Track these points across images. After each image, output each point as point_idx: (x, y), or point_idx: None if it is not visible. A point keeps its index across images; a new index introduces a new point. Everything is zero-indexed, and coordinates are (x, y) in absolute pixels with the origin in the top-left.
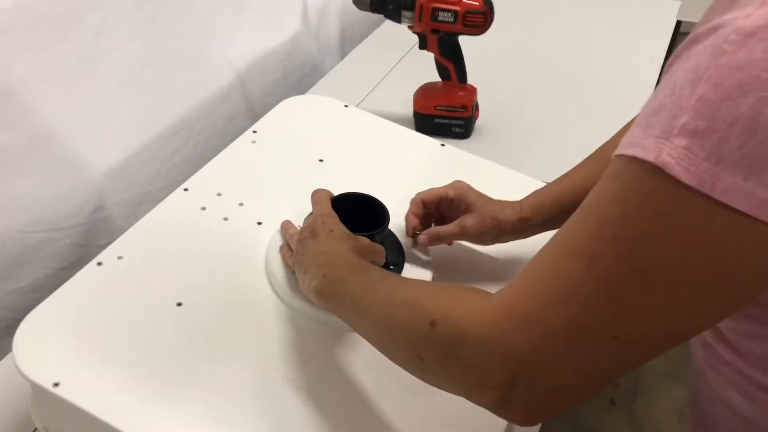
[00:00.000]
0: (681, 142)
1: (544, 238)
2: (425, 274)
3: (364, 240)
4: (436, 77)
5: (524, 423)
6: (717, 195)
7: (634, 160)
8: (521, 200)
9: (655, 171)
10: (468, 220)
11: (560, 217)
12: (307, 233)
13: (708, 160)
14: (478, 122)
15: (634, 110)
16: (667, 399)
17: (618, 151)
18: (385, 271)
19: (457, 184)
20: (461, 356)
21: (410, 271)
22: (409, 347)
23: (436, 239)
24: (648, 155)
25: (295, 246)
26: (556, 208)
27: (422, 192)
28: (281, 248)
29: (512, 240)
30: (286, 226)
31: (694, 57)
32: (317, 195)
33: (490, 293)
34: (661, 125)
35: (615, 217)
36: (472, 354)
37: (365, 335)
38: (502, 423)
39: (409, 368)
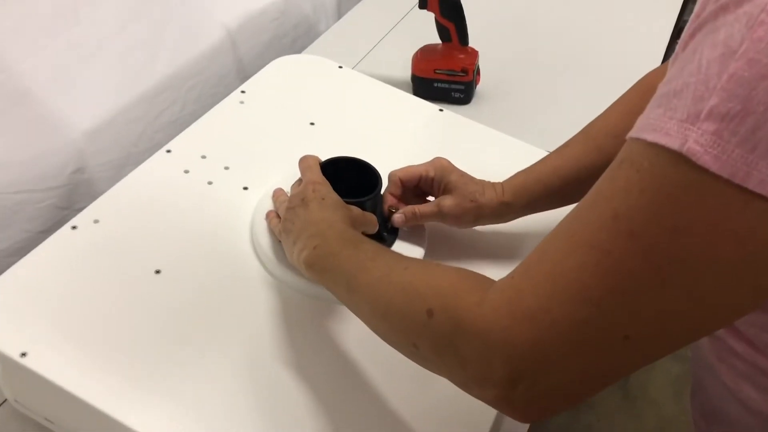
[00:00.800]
0: (710, 127)
1: (535, 219)
2: (416, 250)
3: (356, 210)
4: (436, 39)
5: (525, 420)
6: (752, 186)
7: (654, 146)
8: (503, 182)
9: (679, 159)
10: (446, 201)
11: (544, 200)
12: (297, 201)
13: (741, 147)
14: (479, 88)
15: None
16: (663, 375)
17: (634, 134)
18: (379, 247)
19: (438, 162)
20: (459, 349)
21: (402, 245)
22: (404, 334)
23: (412, 219)
24: (671, 142)
25: (283, 214)
26: (540, 190)
27: (400, 170)
28: (268, 214)
29: (492, 223)
30: (277, 194)
31: (723, 29)
32: (306, 161)
33: (491, 281)
34: (686, 107)
35: (630, 209)
36: (470, 348)
37: (357, 314)
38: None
39: (403, 353)
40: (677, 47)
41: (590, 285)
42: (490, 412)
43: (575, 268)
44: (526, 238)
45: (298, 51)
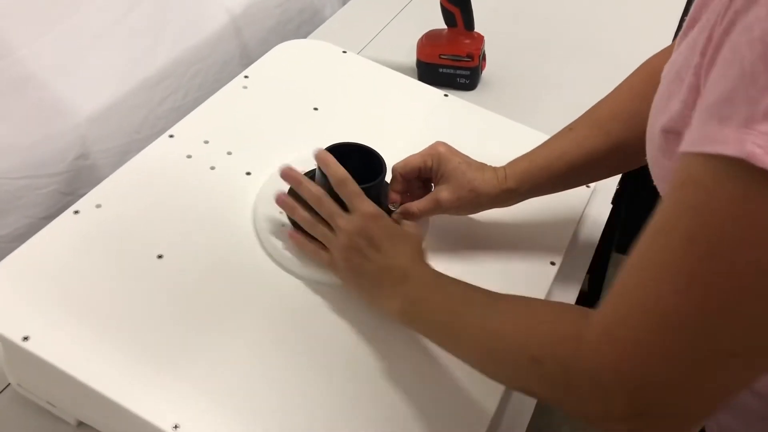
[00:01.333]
0: (766, 127)
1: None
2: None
3: (415, 232)
4: (441, 24)
5: None
6: None
7: (713, 158)
8: (506, 166)
9: (740, 166)
10: (443, 194)
11: (549, 184)
12: (362, 241)
13: None
14: (485, 73)
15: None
16: None
17: (690, 148)
18: (464, 287)
19: (435, 149)
20: (573, 391)
21: None
22: (514, 379)
23: (411, 218)
24: (729, 149)
25: (344, 252)
26: (545, 175)
27: (399, 164)
28: (292, 234)
29: (494, 208)
30: (291, 205)
31: (758, 25)
32: (351, 187)
33: (583, 316)
34: (740, 113)
35: (704, 231)
36: (585, 390)
37: (458, 357)
38: (499, 389)
39: (516, 390)
40: (685, 25)
41: (685, 311)
42: (490, 405)
43: (665, 296)
44: (527, 228)
45: (303, 36)
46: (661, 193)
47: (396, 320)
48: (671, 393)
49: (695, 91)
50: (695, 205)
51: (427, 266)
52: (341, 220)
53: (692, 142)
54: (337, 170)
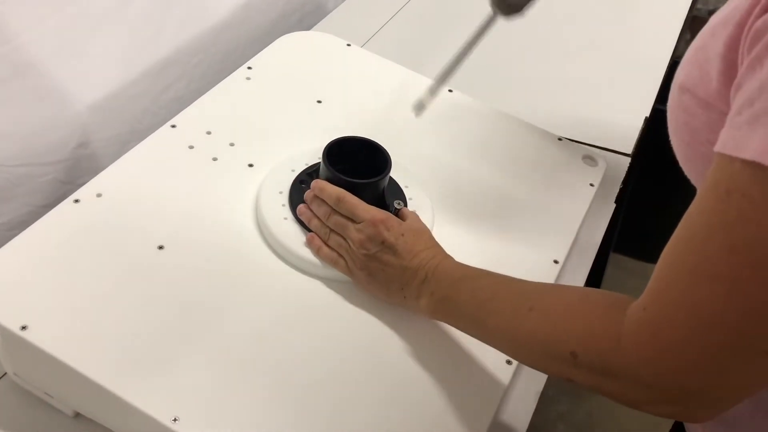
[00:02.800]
0: None
1: None
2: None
3: (424, 225)
4: (444, 19)
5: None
6: None
7: (763, 169)
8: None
9: None
10: None
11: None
12: (375, 246)
13: None
14: (488, 69)
15: (652, 64)
16: None
17: (735, 153)
18: (490, 280)
19: None
20: (614, 382)
21: None
22: (554, 370)
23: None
24: None
25: (360, 262)
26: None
27: None
28: (311, 239)
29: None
30: (308, 216)
31: None
32: (349, 200)
33: (619, 307)
34: None
35: (749, 243)
36: (626, 382)
37: (497, 348)
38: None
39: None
40: (704, 35)
41: (725, 313)
42: (495, 395)
43: (706, 299)
44: (531, 226)
45: (306, 29)
46: (674, 145)
47: (426, 317)
48: (707, 386)
49: (731, 66)
50: (740, 218)
51: (449, 259)
52: (351, 232)
53: (737, 147)
54: (331, 191)
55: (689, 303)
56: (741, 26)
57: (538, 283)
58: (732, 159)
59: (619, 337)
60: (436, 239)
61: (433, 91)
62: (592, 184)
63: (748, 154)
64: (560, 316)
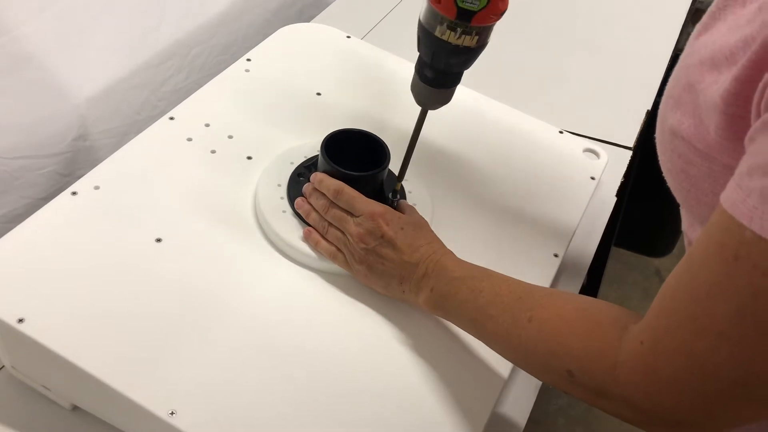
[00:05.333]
0: None
1: None
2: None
3: (422, 218)
4: None
5: None
6: None
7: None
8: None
9: None
10: None
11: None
12: (374, 240)
13: None
14: (490, 63)
15: (655, 57)
16: None
17: (747, 222)
18: (490, 282)
19: None
20: (607, 402)
21: None
22: (551, 382)
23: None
24: None
25: (358, 255)
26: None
27: None
28: (310, 233)
29: None
30: (306, 210)
31: None
32: (348, 192)
33: (617, 326)
34: None
35: (758, 311)
36: (617, 403)
37: (494, 351)
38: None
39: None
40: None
41: (726, 367)
42: (494, 388)
43: (708, 351)
44: (531, 219)
45: (306, 21)
46: (671, 187)
47: (426, 312)
48: (702, 420)
49: (734, 121)
50: (750, 287)
51: (449, 255)
52: (350, 225)
53: (749, 217)
54: (330, 184)
55: (689, 351)
56: (742, 82)
57: (540, 288)
58: (742, 226)
59: (615, 364)
60: (435, 232)
61: (401, 178)
62: (593, 178)
63: (765, 234)
64: (558, 331)
